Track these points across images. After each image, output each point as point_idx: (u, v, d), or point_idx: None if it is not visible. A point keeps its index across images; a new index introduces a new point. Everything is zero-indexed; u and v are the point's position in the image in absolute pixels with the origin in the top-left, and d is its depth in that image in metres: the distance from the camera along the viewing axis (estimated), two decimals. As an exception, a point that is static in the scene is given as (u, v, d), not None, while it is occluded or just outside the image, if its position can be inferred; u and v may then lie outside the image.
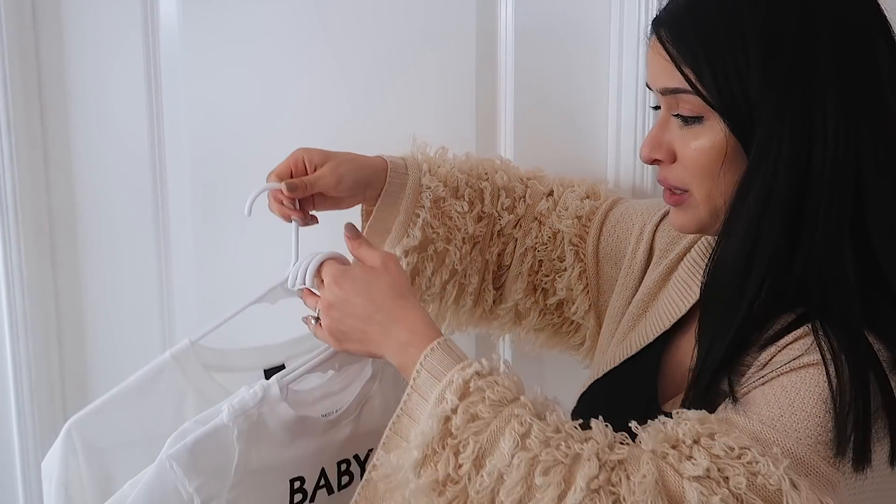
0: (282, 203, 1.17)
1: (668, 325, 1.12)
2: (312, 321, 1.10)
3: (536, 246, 1.31)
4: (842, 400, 0.88)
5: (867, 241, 0.93)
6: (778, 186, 0.92)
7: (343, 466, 1.16)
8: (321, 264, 1.10)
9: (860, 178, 0.93)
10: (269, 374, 1.19)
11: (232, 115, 1.52)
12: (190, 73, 1.52)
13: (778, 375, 0.91)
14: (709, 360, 0.96)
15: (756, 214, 0.93)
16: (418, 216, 1.25)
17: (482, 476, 0.88)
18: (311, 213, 1.20)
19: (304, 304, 1.12)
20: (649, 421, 0.93)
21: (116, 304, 1.62)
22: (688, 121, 0.99)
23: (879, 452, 0.90)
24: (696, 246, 1.16)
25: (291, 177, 1.17)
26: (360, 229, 1.20)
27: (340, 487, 1.15)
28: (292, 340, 1.23)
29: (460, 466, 0.89)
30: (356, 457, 1.16)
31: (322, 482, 1.14)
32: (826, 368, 0.89)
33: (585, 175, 1.40)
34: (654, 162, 1.04)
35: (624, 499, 0.85)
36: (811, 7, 0.94)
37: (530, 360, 1.41)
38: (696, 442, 0.89)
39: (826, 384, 0.89)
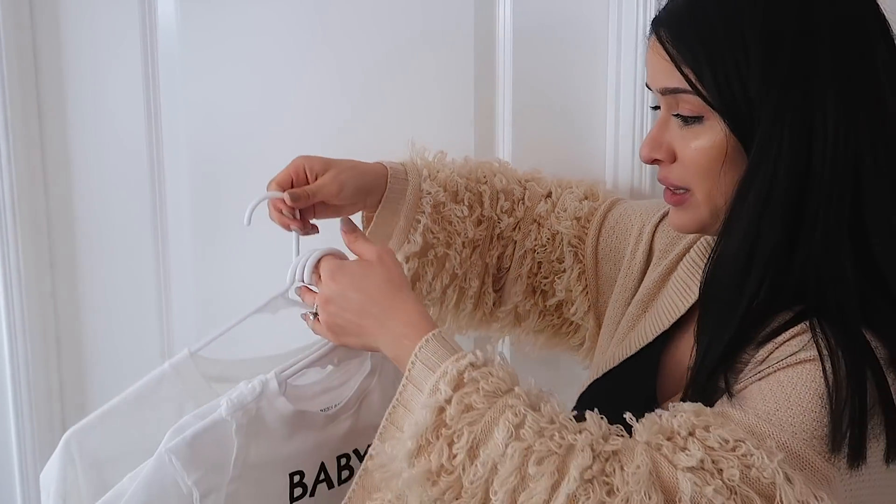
0: (281, 212, 1.17)
1: (667, 325, 1.13)
2: (311, 317, 1.11)
3: (536, 248, 1.32)
4: (838, 396, 0.88)
5: (866, 240, 0.94)
6: (778, 186, 0.93)
7: (343, 461, 1.16)
8: (319, 260, 1.10)
9: (859, 177, 0.93)
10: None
11: (230, 114, 1.52)
12: (188, 72, 1.52)
13: (775, 371, 0.91)
14: (707, 359, 0.97)
15: (756, 214, 0.94)
16: (419, 221, 1.26)
17: (476, 466, 0.89)
18: (311, 221, 1.20)
19: (303, 301, 1.13)
20: (646, 414, 0.94)
21: (115, 304, 1.62)
22: (688, 121, 0.99)
23: (875, 449, 0.91)
24: (695, 246, 1.16)
25: (292, 185, 1.17)
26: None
27: (341, 482, 1.16)
28: (293, 351, 1.21)
29: (454, 457, 0.90)
30: (356, 451, 1.17)
31: (322, 476, 1.14)
32: (823, 364, 0.89)
33: (584, 176, 1.41)
34: (653, 162, 1.04)
35: (617, 489, 0.86)
36: (811, 7, 0.94)
37: (529, 361, 1.41)
38: (691, 434, 0.89)
39: (822, 380, 0.89)
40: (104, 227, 1.59)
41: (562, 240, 1.31)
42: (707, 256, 1.05)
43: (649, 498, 0.85)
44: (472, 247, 1.30)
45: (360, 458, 1.17)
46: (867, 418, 0.89)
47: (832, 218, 0.93)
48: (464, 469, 0.89)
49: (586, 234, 1.31)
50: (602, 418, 0.93)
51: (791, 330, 0.93)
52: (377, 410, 1.16)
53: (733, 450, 0.87)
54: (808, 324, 0.92)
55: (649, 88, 1.05)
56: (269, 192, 1.17)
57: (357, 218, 1.27)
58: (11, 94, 1.49)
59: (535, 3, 1.43)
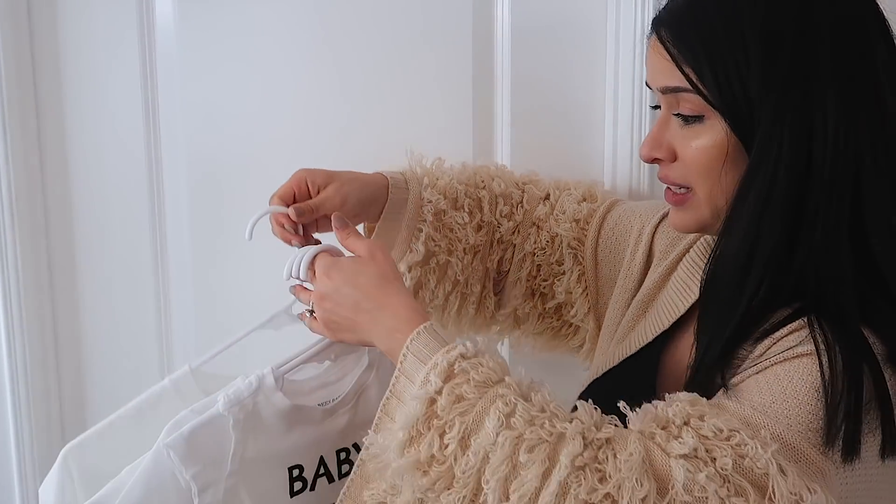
0: (283, 227, 1.17)
1: (667, 325, 1.13)
2: (307, 315, 1.12)
3: (535, 251, 1.32)
4: (833, 390, 0.88)
5: (866, 240, 0.94)
6: (778, 185, 0.93)
7: (342, 455, 1.17)
8: (314, 257, 1.11)
9: (859, 177, 0.93)
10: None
11: (228, 114, 1.52)
12: (186, 72, 1.52)
13: (772, 365, 0.92)
14: (707, 357, 0.97)
15: (756, 213, 0.94)
16: (420, 230, 1.26)
17: (468, 456, 0.89)
18: (314, 235, 1.20)
19: (298, 299, 1.14)
20: (643, 405, 0.94)
21: (114, 305, 1.64)
22: (688, 120, 0.99)
23: (871, 444, 0.91)
24: (695, 246, 1.16)
25: (294, 199, 1.17)
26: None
27: (341, 476, 1.16)
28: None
29: (446, 447, 0.90)
30: (355, 445, 1.17)
31: (322, 471, 1.15)
32: (819, 359, 0.90)
33: (582, 176, 1.41)
34: (654, 161, 1.04)
35: (610, 476, 0.86)
36: (811, 7, 0.94)
37: (529, 361, 1.40)
38: (685, 423, 0.89)
39: (819, 374, 0.89)
40: (102, 227, 1.60)
41: (561, 242, 1.31)
42: (707, 256, 1.05)
43: (641, 485, 0.85)
44: (473, 252, 1.30)
45: (360, 451, 1.17)
46: (862, 413, 0.89)
47: (832, 217, 0.93)
48: (455, 459, 0.90)
49: (585, 235, 1.31)
50: (595, 409, 0.93)
51: (789, 326, 0.93)
52: (375, 404, 1.13)
53: (727, 439, 0.87)
54: (806, 320, 0.92)
55: (649, 87, 1.05)
56: (271, 206, 1.17)
57: (358, 229, 1.27)
58: (9, 95, 1.50)
59: (533, 3, 1.43)
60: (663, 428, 0.90)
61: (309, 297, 1.11)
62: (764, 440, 0.87)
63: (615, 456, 0.87)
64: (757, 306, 0.94)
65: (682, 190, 1.03)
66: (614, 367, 1.18)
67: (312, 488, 1.14)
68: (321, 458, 1.15)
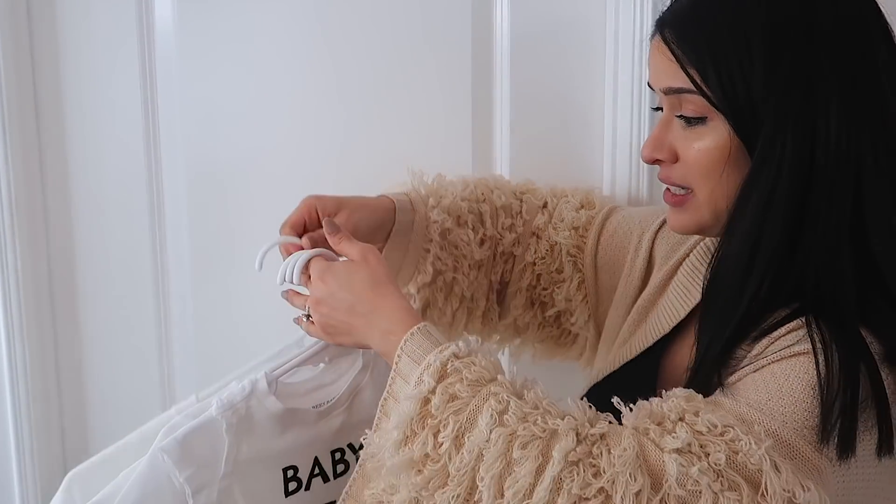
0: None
1: (667, 329, 1.13)
2: (304, 319, 1.12)
3: (535, 261, 1.32)
4: (829, 388, 0.89)
5: (866, 240, 0.94)
6: (780, 187, 0.93)
7: (337, 455, 1.17)
8: (307, 262, 1.12)
9: (860, 177, 0.93)
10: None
11: (227, 117, 1.53)
12: (185, 76, 1.53)
13: (769, 363, 0.92)
14: (707, 357, 0.97)
15: (758, 214, 0.94)
16: (428, 251, 1.26)
17: (462, 454, 0.90)
18: None
19: (292, 304, 1.14)
20: (638, 401, 0.94)
21: (113, 306, 1.64)
22: (691, 121, 0.99)
23: (867, 442, 0.91)
24: (694, 251, 1.16)
25: (305, 227, 1.17)
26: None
27: (336, 475, 1.17)
28: (287, 347, 1.22)
29: (440, 445, 0.91)
30: (350, 445, 1.18)
31: (316, 471, 1.16)
32: (816, 357, 0.90)
33: (581, 179, 1.41)
34: (655, 162, 1.04)
35: (604, 471, 0.86)
36: (813, 8, 0.95)
37: (528, 364, 1.41)
38: (680, 419, 0.90)
39: (815, 372, 0.89)
40: (102, 230, 1.61)
41: (560, 250, 1.31)
42: (708, 259, 1.06)
43: (635, 480, 0.85)
44: (477, 268, 1.31)
45: (355, 451, 1.18)
46: (858, 411, 0.89)
47: (833, 218, 0.93)
48: (450, 457, 0.90)
49: (585, 243, 1.31)
50: (590, 406, 0.94)
51: (787, 325, 0.93)
52: (369, 405, 1.17)
53: (721, 434, 0.87)
54: (804, 319, 0.93)
55: (651, 88, 1.05)
56: (282, 236, 1.17)
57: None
58: (9, 98, 1.51)
59: (533, 7, 1.43)
60: (658, 423, 0.90)
61: (302, 302, 1.12)
62: (758, 436, 0.87)
63: (609, 451, 0.87)
64: (757, 306, 0.95)
65: (682, 191, 1.03)
66: (615, 371, 1.18)
67: (307, 488, 1.15)
68: (315, 458, 1.15)
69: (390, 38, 1.46)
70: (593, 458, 0.87)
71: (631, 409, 0.93)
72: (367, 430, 1.00)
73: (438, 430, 0.91)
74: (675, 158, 1.02)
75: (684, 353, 1.08)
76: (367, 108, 1.48)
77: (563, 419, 0.90)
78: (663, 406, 0.92)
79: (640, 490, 0.85)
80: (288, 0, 1.47)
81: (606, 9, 1.40)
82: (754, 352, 0.94)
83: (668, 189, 1.05)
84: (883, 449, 0.92)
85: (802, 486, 0.86)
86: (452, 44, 1.44)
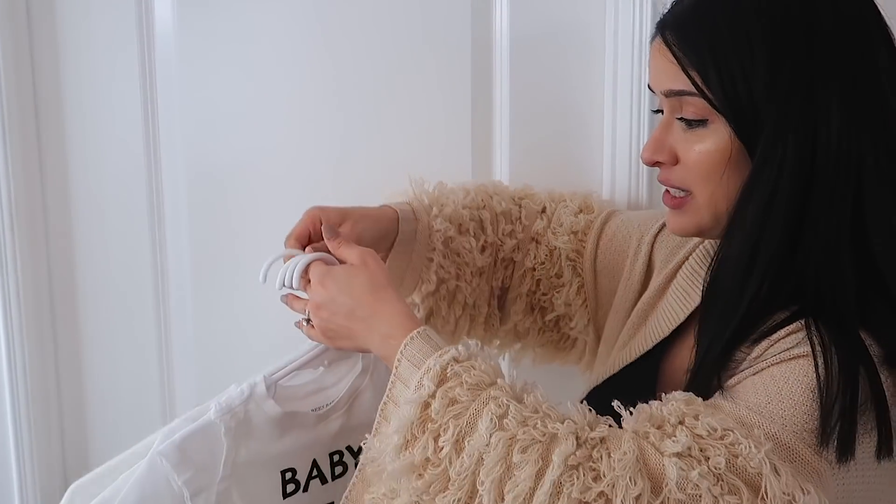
0: None
1: (667, 332, 1.13)
2: (304, 323, 1.12)
3: (535, 266, 1.33)
4: (829, 390, 0.89)
5: (866, 241, 0.94)
6: (781, 189, 0.93)
7: (336, 457, 1.17)
8: (307, 266, 1.12)
9: (861, 179, 0.93)
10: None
11: (227, 120, 1.52)
12: (185, 78, 1.53)
13: (768, 366, 0.92)
14: (707, 359, 0.97)
15: (759, 216, 0.94)
16: (431, 260, 1.26)
17: (463, 458, 0.90)
18: None
19: (292, 309, 1.14)
20: (638, 405, 0.94)
21: (113, 308, 1.63)
22: (692, 124, 0.99)
23: (866, 445, 0.91)
24: (694, 254, 1.16)
25: (310, 237, 1.17)
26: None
27: (334, 477, 1.17)
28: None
29: (440, 449, 0.91)
30: (349, 448, 1.18)
31: (315, 473, 1.16)
32: (815, 359, 0.90)
33: (582, 183, 1.41)
34: (655, 164, 1.04)
35: (604, 475, 0.86)
36: (815, 10, 0.95)
37: (528, 368, 1.41)
38: (680, 422, 0.90)
39: (814, 374, 0.89)
40: (102, 232, 1.60)
41: (560, 255, 1.31)
42: (707, 262, 1.06)
43: (635, 484, 0.85)
44: (479, 275, 1.31)
45: (353, 454, 1.18)
46: (857, 414, 0.89)
47: (834, 218, 0.93)
48: (450, 462, 0.90)
49: (584, 247, 1.31)
50: (590, 409, 0.94)
51: (787, 328, 0.93)
52: (369, 408, 1.17)
53: (721, 438, 0.87)
54: (803, 322, 0.93)
55: (652, 91, 1.05)
56: (287, 248, 1.17)
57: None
58: (9, 100, 1.50)
59: (532, 12, 1.42)
60: (658, 427, 0.90)
61: (302, 306, 1.12)
62: (758, 439, 0.87)
63: (609, 455, 0.87)
64: (756, 307, 0.95)
65: (682, 193, 1.03)
66: (614, 374, 1.18)
67: (305, 489, 1.15)
68: (314, 460, 1.15)
69: (390, 39, 1.46)
70: (593, 462, 0.87)
71: (631, 413, 0.93)
72: (366, 434, 1.00)
73: (439, 435, 0.91)
74: (676, 161, 1.02)
75: (684, 356, 1.08)
76: (366, 110, 1.48)
77: (562, 423, 0.90)
78: (663, 409, 0.92)
79: (641, 494, 0.85)
80: (288, 3, 1.47)
81: (606, 12, 1.40)
82: (754, 354, 0.94)
83: (667, 191, 1.05)
84: (882, 451, 0.92)
85: (802, 490, 0.86)
86: (452, 46, 1.44)
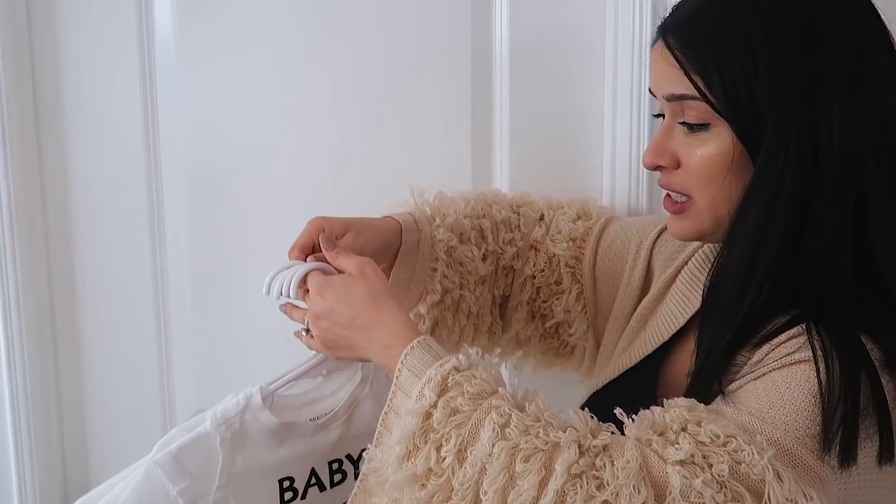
0: None
1: (667, 337, 1.13)
2: (304, 333, 1.12)
3: (535, 274, 1.32)
4: (830, 395, 0.88)
5: (867, 242, 0.94)
6: (783, 192, 0.93)
7: (335, 466, 1.17)
8: (305, 276, 1.11)
9: (862, 180, 0.93)
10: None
11: (227, 125, 1.53)
12: (185, 84, 1.53)
13: (770, 371, 0.92)
14: (707, 363, 0.97)
15: (761, 220, 0.94)
16: (435, 270, 1.26)
17: (465, 468, 0.89)
18: None
19: (290, 318, 1.14)
20: (640, 411, 0.94)
21: (112, 310, 1.64)
22: (693, 128, 0.99)
23: (868, 450, 0.91)
24: (693, 258, 1.16)
25: (314, 248, 1.16)
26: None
27: (333, 485, 1.17)
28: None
29: (443, 459, 0.90)
30: (348, 456, 1.17)
31: (313, 481, 1.15)
32: (817, 364, 0.90)
33: (582, 188, 1.41)
34: (656, 168, 1.04)
35: (607, 483, 0.86)
36: (816, 12, 0.95)
37: (527, 375, 1.41)
38: (683, 429, 0.89)
39: (816, 379, 0.89)
40: (102, 234, 1.60)
41: (559, 262, 1.31)
42: (706, 267, 1.05)
43: (638, 492, 0.85)
44: (482, 283, 1.31)
45: (353, 461, 1.18)
46: (859, 419, 0.89)
47: (835, 220, 0.93)
48: (453, 471, 0.90)
49: (583, 253, 1.31)
50: (592, 417, 0.93)
51: (787, 332, 0.93)
52: (369, 417, 1.16)
53: (724, 445, 0.87)
54: (804, 326, 0.93)
55: (653, 95, 1.04)
56: (291, 259, 1.16)
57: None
58: (9, 102, 1.50)
59: (532, 16, 1.43)
60: (660, 434, 0.90)
61: (301, 316, 1.11)
62: (760, 446, 0.87)
63: (612, 463, 0.87)
64: (757, 311, 0.95)
65: (682, 198, 1.03)
66: (614, 379, 1.18)
67: (304, 497, 1.15)
68: (312, 469, 1.15)
69: (390, 44, 1.46)
70: (596, 471, 0.87)
71: (633, 420, 0.93)
72: (367, 444, 0.99)
73: (441, 445, 0.91)
74: (677, 165, 1.02)
75: (684, 361, 1.08)
76: (366, 114, 1.48)
77: (565, 431, 0.89)
78: (665, 416, 0.91)
79: (644, 502, 0.85)
80: (287, 8, 1.47)
81: (606, 15, 1.40)
82: (755, 359, 0.94)
83: (668, 196, 1.05)
84: (884, 456, 0.92)
85: (805, 495, 0.86)
86: (452, 51, 1.44)
